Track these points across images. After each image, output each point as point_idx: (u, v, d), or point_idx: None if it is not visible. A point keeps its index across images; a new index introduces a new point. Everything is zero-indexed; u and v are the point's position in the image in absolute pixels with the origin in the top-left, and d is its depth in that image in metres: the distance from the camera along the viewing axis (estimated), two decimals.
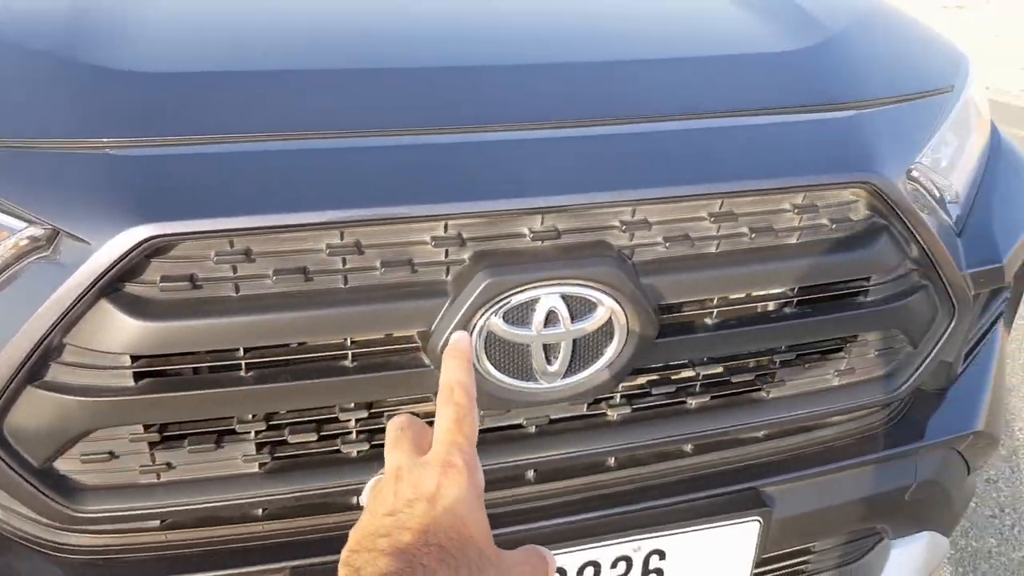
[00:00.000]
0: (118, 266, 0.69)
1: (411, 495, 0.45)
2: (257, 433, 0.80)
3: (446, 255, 0.76)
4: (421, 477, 0.46)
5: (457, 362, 0.52)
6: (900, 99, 0.99)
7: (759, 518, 0.93)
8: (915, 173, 0.94)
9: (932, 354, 0.99)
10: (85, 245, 0.69)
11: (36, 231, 0.72)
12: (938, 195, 0.97)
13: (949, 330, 0.98)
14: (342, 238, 0.74)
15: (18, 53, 0.89)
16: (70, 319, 0.70)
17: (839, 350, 0.96)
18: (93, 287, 0.69)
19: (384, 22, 1.07)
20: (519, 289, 0.75)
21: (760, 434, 0.97)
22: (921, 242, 0.90)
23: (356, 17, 1.07)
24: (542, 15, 1.13)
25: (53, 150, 0.76)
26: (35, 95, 0.83)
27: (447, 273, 0.77)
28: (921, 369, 0.99)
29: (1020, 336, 2.47)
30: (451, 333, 0.74)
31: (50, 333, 0.70)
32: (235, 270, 0.72)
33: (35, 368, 0.71)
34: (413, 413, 0.83)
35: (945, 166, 1.03)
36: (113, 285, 0.71)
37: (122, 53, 0.86)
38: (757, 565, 0.97)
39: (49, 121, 0.79)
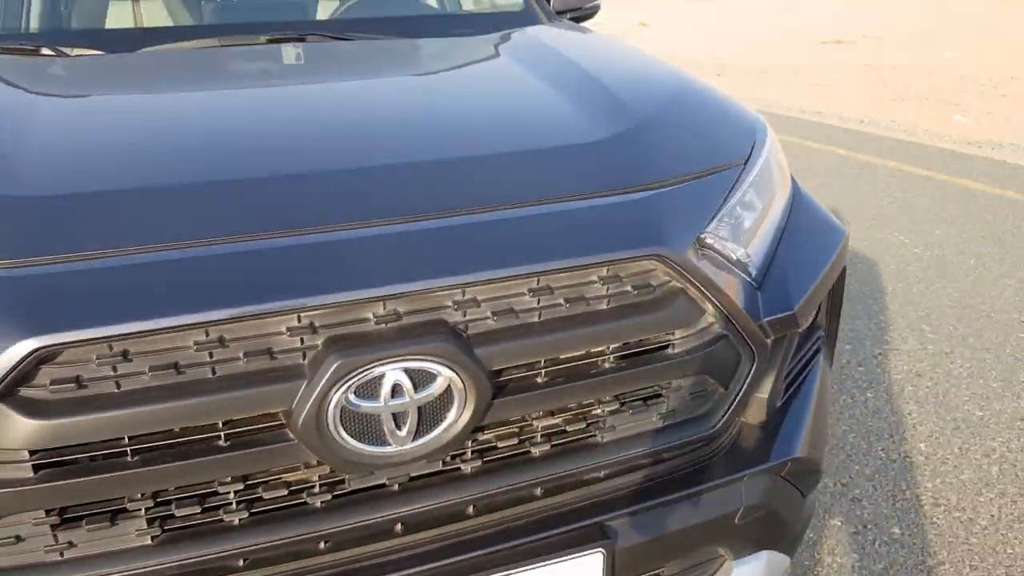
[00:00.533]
0: (12, 374, 0.81)
1: None
2: (147, 510, 0.91)
3: (301, 342, 0.90)
4: None
5: None
6: (691, 176, 1.19)
7: (602, 549, 1.06)
8: (708, 240, 1.13)
9: (741, 394, 1.16)
10: None
11: None
12: (734, 257, 1.16)
13: (752, 372, 1.16)
14: (207, 335, 0.87)
15: None
16: None
17: (659, 396, 1.13)
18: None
19: (234, 134, 1.22)
20: (366, 367, 0.89)
21: (600, 474, 1.12)
22: (714, 300, 1.09)
23: (209, 131, 1.22)
24: (374, 119, 1.31)
25: None
26: None
27: (303, 357, 0.90)
28: (732, 407, 1.17)
29: (881, 366, 2.73)
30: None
31: None
32: (115, 370, 0.84)
33: None
34: (281, 481, 0.95)
35: (748, 227, 1.23)
36: (9, 390, 0.82)
37: (21, 181, 0.99)
38: None
39: None
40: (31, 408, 0.82)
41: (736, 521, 1.19)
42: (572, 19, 2.56)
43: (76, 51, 1.73)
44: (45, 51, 1.72)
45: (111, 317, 0.83)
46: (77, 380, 0.84)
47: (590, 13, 2.62)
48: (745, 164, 1.30)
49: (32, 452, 0.84)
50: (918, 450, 2.24)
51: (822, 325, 1.47)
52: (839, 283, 1.46)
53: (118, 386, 0.85)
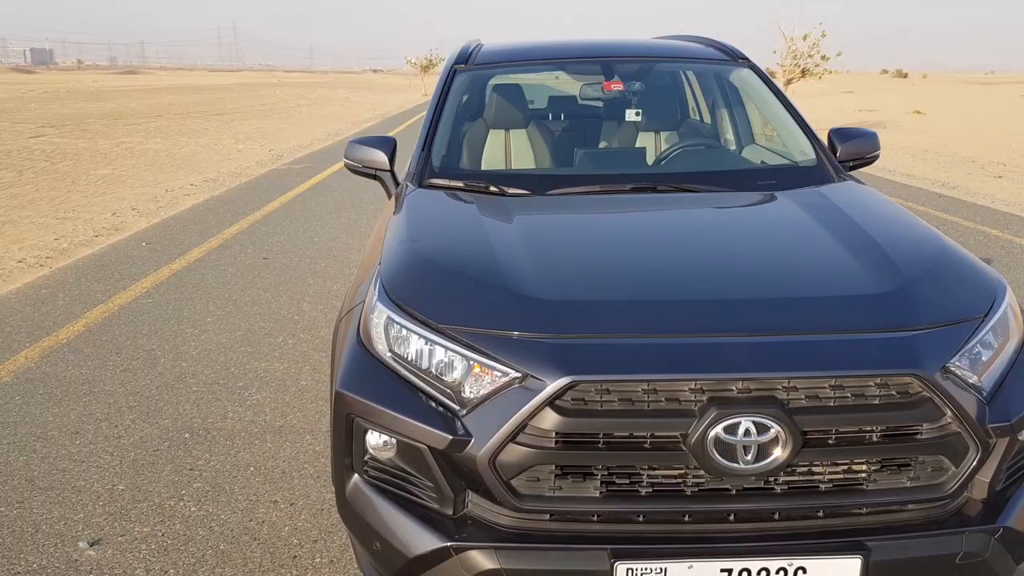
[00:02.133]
0: (555, 392, 1.64)
1: None
2: (600, 476, 1.69)
3: (695, 397, 1.64)
4: None
5: None
6: (942, 324, 1.78)
7: (861, 557, 1.66)
8: (952, 368, 1.71)
9: (968, 473, 1.70)
10: (541, 382, 1.65)
11: (516, 374, 1.68)
12: (969, 382, 1.73)
13: (977, 459, 1.70)
14: (648, 386, 1.63)
15: (469, 281, 1.95)
16: (532, 415, 1.65)
17: (908, 465, 1.71)
18: (544, 402, 1.64)
19: (666, 265, 2.07)
20: (731, 417, 1.61)
21: (863, 510, 1.72)
22: (951, 408, 1.66)
23: (650, 263, 2.08)
24: (725, 260, 2.11)
25: (514, 335, 1.74)
26: (486, 305, 1.84)
27: (695, 406, 1.64)
28: (961, 481, 1.70)
29: None
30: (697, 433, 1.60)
31: (524, 420, 1.64)
32: (601, 398, 1.64)
33: (514, 433, 1.66)
34: (673, 474, 1.67)
35: (984, 360, 1.79)
36: (551, 400, 1.65)
37: (529, 287, 1.87)
38: None
39: (509, 321, 1.78)
40: (560, 411, 1.65)
41: (957, 561, 1.71)
42: (855, 165, 3.17)
43: (511, 191, 2.71)
44: (492, 189, 2.72)
45: (604, 371, 1.64)
46: (583, 400, 1.65)
47: (870, 160, 3.21)
48: (985, 317, 1.85)
49: (556, 433, 1.65)
50: None
51: None
52: None
53: (601, 407, 1.65)
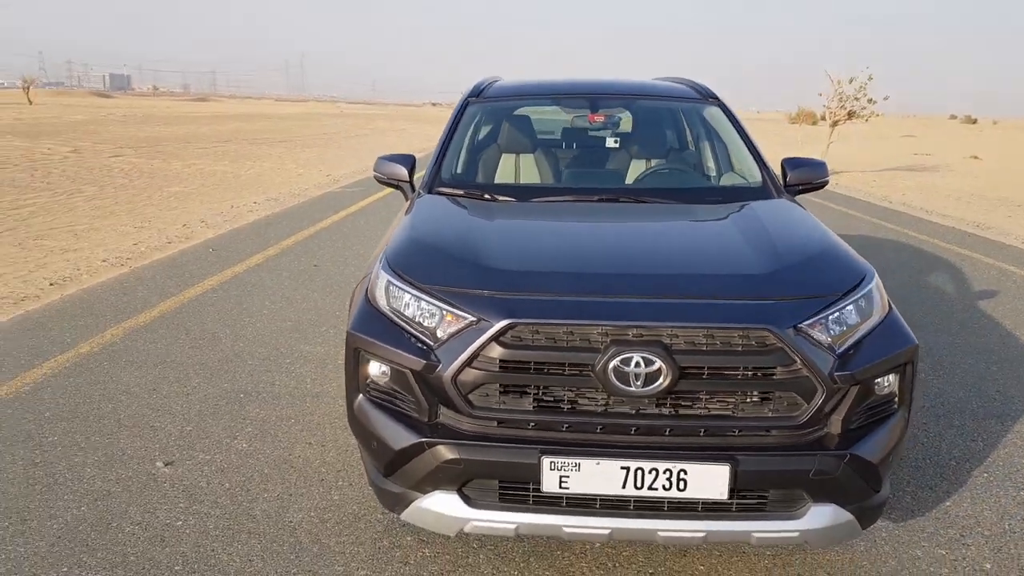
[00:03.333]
0: (499, 331, 2.28)
1: None
2: (533, 394, 2.31)
3: (602, 338, 2.25)
4: None
5: None
6: (801, 297, 2.36)
7: (729, 464, 2.23)
8: (803, 328, 2.29)
9: (816, 408, 2.27)
10: (490, 324, 2.29)
11: (473, 319, 2.33)
12: (820, 338, 2.30)
13: (823, 399, 2.26)
14: (568, 330, 2.26)
15: (448, 256, 2.62)
16: (483, 347, 2.29)
17: (768, 398, 2.29)
18: (491, 338, 2.28)
19: (588, 246, 2.72)
20: (626, 353, 2.22)
21: (735, 431, 2.30)
22: (798, 357, 2.24)
23: (577, 243, 2.74)
24: (648, 247, 2.74)
25: (474, 292, 2.39)
26: (459, 272, 2.50)
27: (602, 345, 2.25)
28: (810, 415, 2.27)
29: None
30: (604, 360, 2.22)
31: (477, 350, 2.29)
32: (532, 337, 2.28)
33: (470, 360, 2.30)
34: (585, 395, 2.30)
35: (840, 325, 2.35)
36: (504, 337, 2.29)
37: (490, 261, 2.52)
38: (731, 491, 2.25)
39: (472, 283, 2.43)
40: (503, 344, 2.28)
41: (810, 476, 2.27)
42: (805, 190, 3.75)
43: (501, 198, 3.39)
44: (486, 196, 3.40)
45: (535, 316, 2.28)
46: (520, 338, 2.29)
47: (819, 185, 3.78)
48: (844, 295, 2.42)
49: (500, 360, 2.29)
50: None
51: (896, 396, 2.47)
52: (909, 371, 2.45)
53: (532, 343, 2.28)
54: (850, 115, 22.65)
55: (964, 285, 7.33)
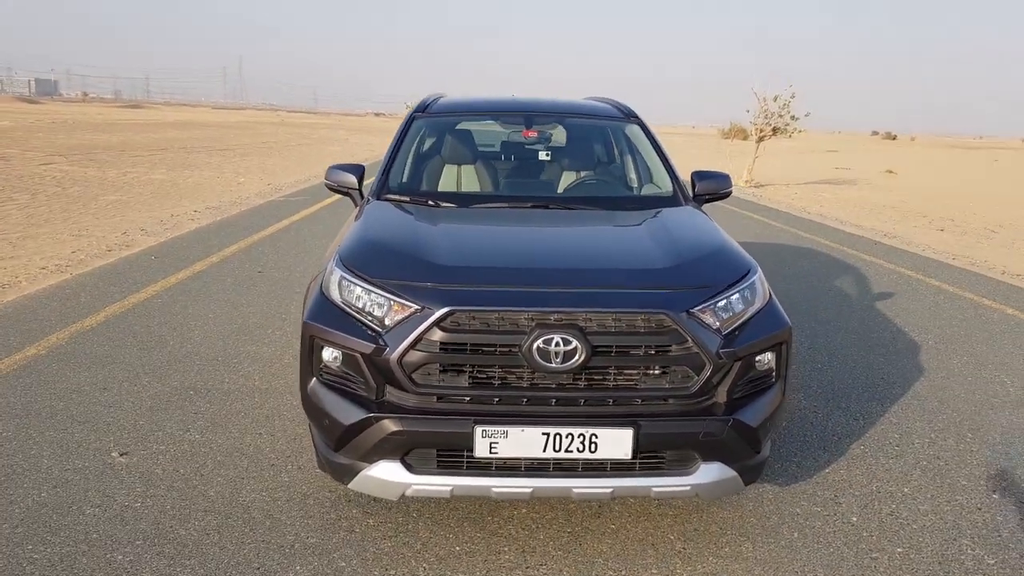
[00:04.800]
0: (439, 318, 2.62)
1: None
2: (469, 372, 2.66)
3: (529, 323, 2.62)
4: None
5: None
6: (693, 287, 2.78)
7: (632, 428, 2.62)
8: (695, 312, 2.70)
9: (704, 380, 2.68)
10: (432, 311, 2.63)
11: (417, 307, 2.67)
12: (709, 322, 2.72)
13: (710, 371, 2.68)
14: (499, 316, 2.62)
15: (395, 253, 2.95)
16: (426, 331, 2.63)
17: (666, 372, 2.69)
18: (433, 324, 2.62)
19: (517, 245, 3.08)
20: (548, 335, 2.59)
21: (638, 400, 2.69)
22: (689, 336, 2.65)
23: (507, 243, 3.10)
24: (568, 246, 3.12)
25: (419, 285, 2.73)
26: (404, 267, 2.83)
27: (528, 329, 2.61)
28: (700, 385, 2.68)
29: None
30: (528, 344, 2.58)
31: (420, 335, 2.62)
32: (469, 322, 2.63)
33: (414, 343, 2.63)
34: (514, 373, 2.66)
35: (727, 311, 2.78)
36: (439, 324, 2.63)
37: (434, 257, 2.87)
38: (635, 452, 2.64)
39: (417, 277, 2.77)
40: (443, 329, 2.62)
41: (700, 438, 2.67)
42: (711, 199, 4.21)
43: (444, 204, 3.74)
44: (430, 203, 3.75)
45: (471, 304, 2.63)
46: (458, 323, 2.63)
47: (724, 195, 4.25)
48: (730, 286, 2.85)
49: (440, 343, 2.63)
50: None
51: (774, 371, 2.90)
52: (784, 350, 2.89)
53: (468, 327, 2.63)
54: (775, 131, 23.81)
55: (865, 288, 8.01)
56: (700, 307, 2.73)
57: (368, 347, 2.68)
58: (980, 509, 3.33)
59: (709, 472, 2.73)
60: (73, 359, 4.84)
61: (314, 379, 2.85)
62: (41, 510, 3.09)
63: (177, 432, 3.85)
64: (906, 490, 3.47)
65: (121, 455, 3.57)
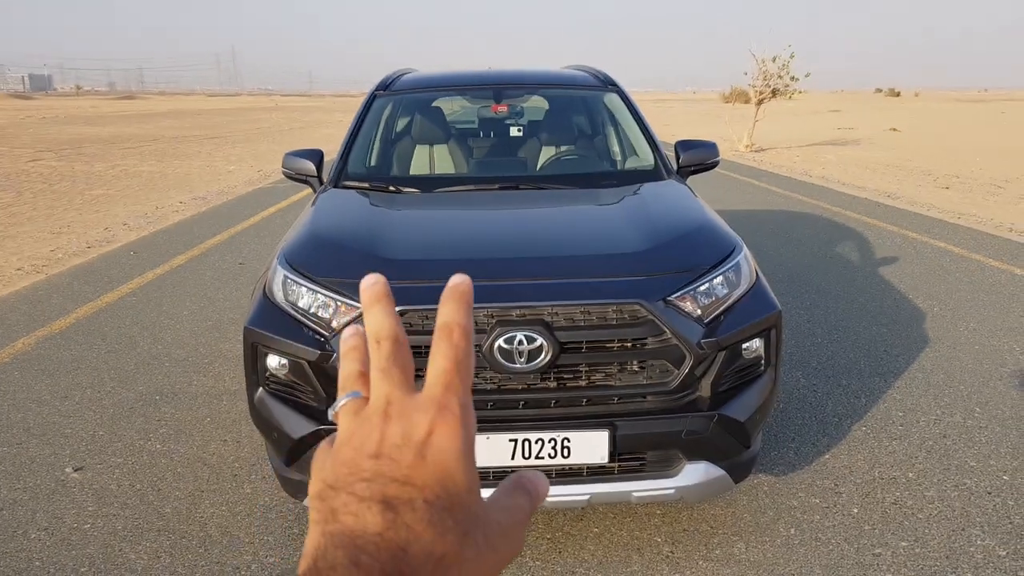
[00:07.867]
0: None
1: (399, 439, 0.38)
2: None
3: (488, 320, 2.37)
4: (412, 419, 0.39)
5: (457, 304, 0.44)
6: (672, 272, 2.52)
7: (608, 430, 2.38)
8: (672, 300, 2.44)
9: (685, 374, 2.43)
10: None
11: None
12: (688, 310, 2.46)
13: (691, 364, 2.43)
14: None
15: (344, 249, 2.69)
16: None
17: (643, 367, 2.45)
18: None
19: (482, 231, 2.81)
20: (510, 332, 2.34)
21: (614, 399, 2.45)
22: (667, 327, 2.40)
23: (471, 230, 2.83)
24: (538, 230, 2.84)
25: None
26: (352, 264, 2.58)
27: (488, 326, 2.37)
28: (681, 379, 2.44)
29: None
30: (494, 338, 2.34)
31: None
32: (410, 323, 2.38)
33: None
34: (478, 376, 2.44)
35: (709, 296, 2.52)
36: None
37: (386, 251, 2.62)
38: (612, 455, 2.41)
39: (358, 272, 2.52)
40: None
41: (683, 436, 2.44)
42: (698, 169, 3.92)
43: (405, 189, 3.47)
44: (391, 188, 3.49)
45: (424, 303, 2.38)
46: (410, 324, 2.38)
47: (711, 166, 3.96)
48: (712, 268, 2.59)
49: None
50: None
51: (763, 359, 2.65)
52: (773, 335, 2.64)
53: (423, 327, 2.38)
54: (774, 93, 23.28)
55: (868, 254, 7.72)
56: (678, 294, 2.48)
57: (313, 353, 2.44)
58: (990, 493, 3.10)
59: (695, 472, 2.50)
60: (37, 366, 4.63)
61: (260, 389, 2.62)
62: None
63: (137, 442, 3.63)
64: (911, 475, 3.24)
65: (75, 470, 3.37)
